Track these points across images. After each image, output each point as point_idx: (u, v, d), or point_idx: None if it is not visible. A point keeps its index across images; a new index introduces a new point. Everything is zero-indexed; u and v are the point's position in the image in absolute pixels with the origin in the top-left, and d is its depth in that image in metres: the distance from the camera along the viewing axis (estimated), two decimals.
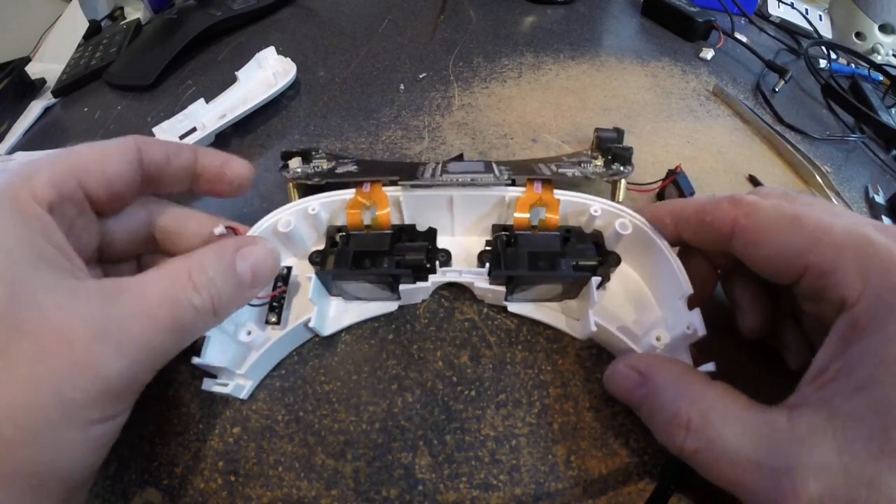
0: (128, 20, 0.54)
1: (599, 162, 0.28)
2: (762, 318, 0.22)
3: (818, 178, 0.32)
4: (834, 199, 0.31)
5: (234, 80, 0.37)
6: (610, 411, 0.22)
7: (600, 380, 0.21)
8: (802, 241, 0.17)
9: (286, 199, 0.26)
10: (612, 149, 0.28)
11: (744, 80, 0.42)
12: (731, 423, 0.16)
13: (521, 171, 0.26)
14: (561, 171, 0.27)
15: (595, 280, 0.22)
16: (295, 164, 0.29)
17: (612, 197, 0.28)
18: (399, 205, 0.25)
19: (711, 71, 0.42)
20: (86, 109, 0.43)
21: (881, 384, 0.14)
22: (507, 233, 0.25)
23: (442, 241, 0.26)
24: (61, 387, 0.14)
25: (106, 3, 0.58)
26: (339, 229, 0.25)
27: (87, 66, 0.47)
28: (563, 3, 0.50)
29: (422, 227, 0.25)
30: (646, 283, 0.25)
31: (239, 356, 0.22)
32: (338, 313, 0.24)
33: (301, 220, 0.25)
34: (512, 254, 0.23)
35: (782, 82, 0.41)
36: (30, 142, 0.42)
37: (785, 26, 0.52)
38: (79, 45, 0.52)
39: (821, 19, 0.55)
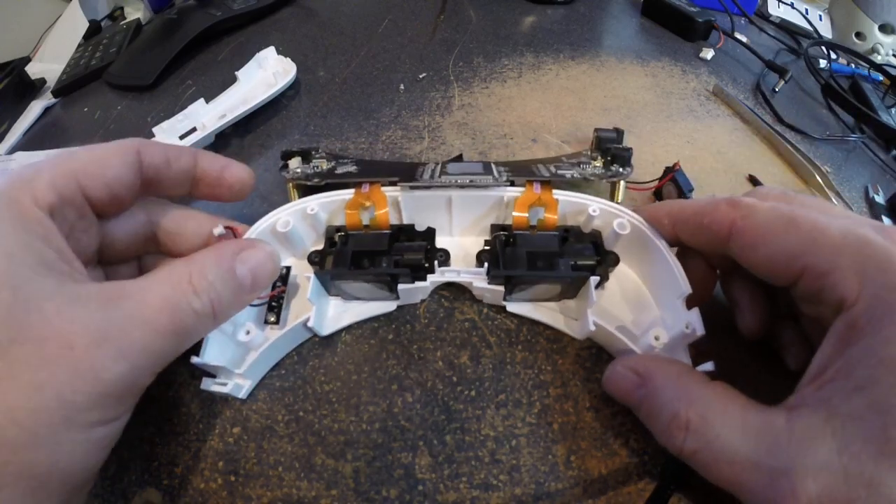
0: (128, 20, 0.54)
1: (599, 163, 0.28)
2: (761, 319, 0.22)
3: (818, 178, 0.32)
4: (834, 199, 0.31)
5: (234, 80, 0.37)
6: (610, 411, 0.22)
7: (600, 380, 0.21)
8: (799, 243, 0.17)
9: (286, 200, 0.26)
10: (611, 149, 0.28)
11: (744, 80, 0.42)
12: (730, 423, 0.16)
13: (520, 172, 0.26)
14: (560, 172, 0.27)
15: (593, 280, 0.22)
16: (295, 163, 0.29)
17: (612, 197, 0.28)
18: (398, 205, 0.25)
19: (711, 71, 0.42)
20: (86, 109, 0.43)
21: (880, 384, 0.14)
22: (506, 233, 0.25)
23: (441, 242, 0.26)
24: (63, 390, 0.14)
25: (106, 3, 0.58)
26: (338, 229, 0.25)
27: (87, 66, 0.47)
28: (563, 3, 0.50)
29: (421, 227, 0.25)
30: (644, 283, 0.25)
31: (238, 356, 0.22)
32: (337, 313, 0.24)
33: (300, 221, 0.25)
34: (510, 254, 0.23)
35: (782, 82, 0.41)
36: (30, 142, 0.42)
37: (785, 26, 0.52)
38: (79, 45, 0.52)
39: (821, 19, 0.55)
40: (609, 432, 0.21)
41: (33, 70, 0.49)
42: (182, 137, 0.34)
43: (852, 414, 0.14)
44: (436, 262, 0.24)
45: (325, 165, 0.29)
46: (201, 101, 0.35)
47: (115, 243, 0.21)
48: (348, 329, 0.25)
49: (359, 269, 0.23)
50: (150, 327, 0.16)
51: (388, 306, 0.24)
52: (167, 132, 0.33)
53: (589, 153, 0.30)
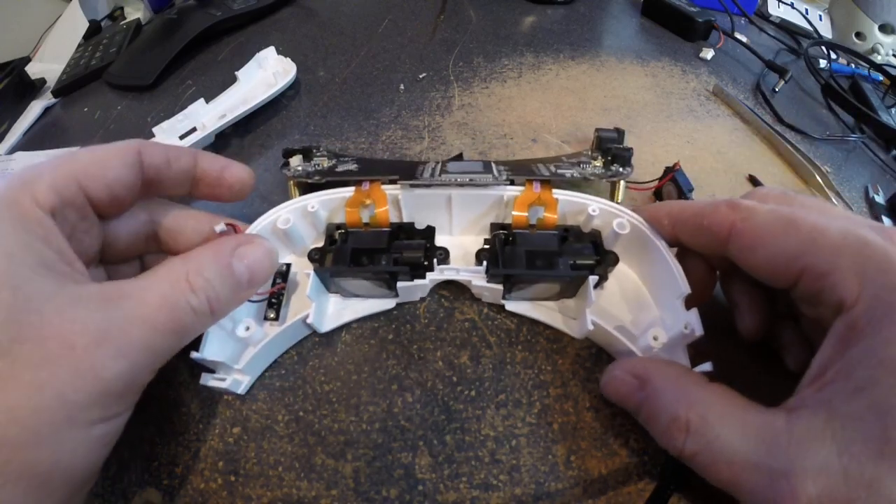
0: (128, 20, 0.54)
1: (599, 163, 0.28)
2: (761, 320, 0.22)
3: (818, 178, 0.32)
4: (834, 199, 0.31)
5: (234, 80, 0.37)
6: (610, 411, 0.22)
7: (600, 380, 0.21)
8: (798, 244, 0.17)
9: (286, 199, 0.26)
10: (612, 149, 0.28)
11: (744, 80, 0.42)
12: (730, 424, 0.16)
13: (520, 172, 0.26)
14: (560, 171, 0.27)
15: (592, 279, 0.22)
16: (296, 161, 0.29)
17: (612, 197, 0.28)
18: (398, 203, 0.25)
19: (711, 71, 0.42)
20: (86, 109, 0.43)
21: (880, 385, 0.14)
22: (506, 231, 0.25)
23: (441, 240, 0.26)
24: (64, 390, 0.14)
25: (106, 3, 0.58)
26: (339, 227, 0.25)
27: (87, 66, 0.47)
28: (563, 3, 0.50)
29: (420, 226, 0.26)
30: (644, 283, 0.25)
31: (237, 351, 0.22)
32: (336, 310, 0.25)
33: (300, 218, 0.25)
34: (510, 252, 0.23)
35: (782, 82, 0.41)
36: (30, 142, 0.42)
37: (785, 26, 0.52)
38: (79, 45, 0.52)
39: (821, 19, 0.55)
40: (609, 432, 0.21)
41: (33, 70, 0.49)
42: (182, 137, 0.34)
43: (852, 415, 0.14)
44: (435, 261, 0.24)
45: (325, 163, 0.29)
46: (201, 101, 0.35)
47: (117, 243, 0.21)
48: (348, 329, 0.25)
49: (358, 267, 0.23)
50: (149, 326, 0.16)
51: (388, 304, 0.25)
52: (167, 132, 0.33)
53: (589, 153, 0.30)
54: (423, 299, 0.25)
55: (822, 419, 0.14)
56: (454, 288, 0.26)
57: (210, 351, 0.20)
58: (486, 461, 0.21)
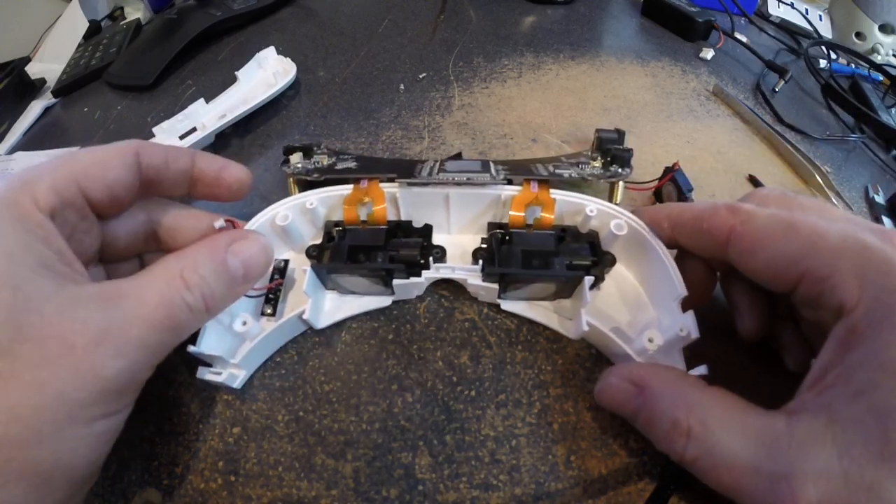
0: (128, 20, 0.54)
1: (597, 163, 0.28)
2: (760, 321, 0.21)
3: (818, 178, 0.32)
4: (834, 199, 0.31)
5: (234, 80, 0.37)
6: (609, 412, 0.22)
7: (594, 388, 0.21)
8: (798, 248, 0.17)
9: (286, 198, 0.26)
10: (612, 150, 0.28)
11: (744, 80, 0.42)
12: (730, 428, 0.16)
13: (519, 171, 0.26)
14: (558, 171, 0.27)
15: (588, 280, 0.22)
16: (296, 159, 0.29)
17: (610, 198, 0.28)
18: (396, 201, 0.26)
19: (711, 71, 0.42)
20: (86, 109, 0.43)
21: (880, 389, 0.14)
22: (502, 231, 0.25)
23: (438, 239, 0.26)
24: (64, 388, 0.15)
25: (106, 3, 0.58)
26: (336, 224, 0.25)
27: (87, 66, 0.47)
28: (563, 3, 0.50)
29: (418, 224, 0.26)
30: (640, 285, 0.25)
31: (234, 346, 0.22)
32: (332, 307, 0.25)
33: (299, 215, 0.25)
34: (506, 251, 0.23)
35: (782, 82, 0.41)
36: (30, 142, 0.42)
37: (785, 26, 0.52)
38: (79, 45, 0.52)
39: (821, 19, 0.55)
40: (609, 432, 0.21)
41: (33, 70, 0.49)
42: (182, 137, 0.34)
43: (853, 418, 0.14)
44: (431, 259, 0.24)
45: (325, 161, 0.29)
46: (201, 101, 0.35)
47: (116, 242, 0.21)
48: (348, 329, 0.25)
49: (355, 264, 0.23)
50: (147, 324, 0.16)
51: (384, 301, 0.25)
52: (167, 132, 0.33)
53: (589, 153, 0.30)
54: (422, 299, 0.25)
55: (822, 422, 0.14)
56: (454, 288, 0.26)
57: (207, 345, 0.20)
58: (486, 461, 0.21)
